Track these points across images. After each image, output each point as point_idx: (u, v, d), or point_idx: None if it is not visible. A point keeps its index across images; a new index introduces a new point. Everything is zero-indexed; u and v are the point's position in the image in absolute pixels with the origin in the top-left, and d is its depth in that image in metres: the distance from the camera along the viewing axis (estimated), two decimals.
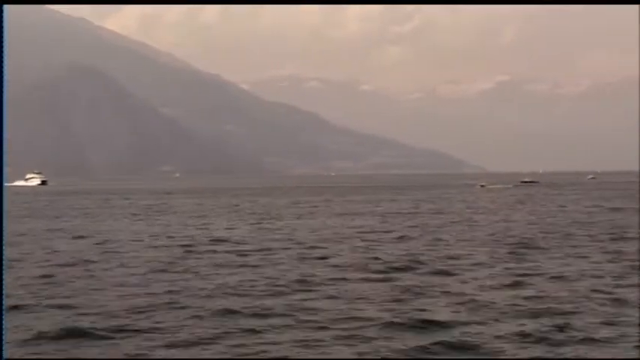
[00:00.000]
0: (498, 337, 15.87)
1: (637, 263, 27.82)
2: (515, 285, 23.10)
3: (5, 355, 5.91)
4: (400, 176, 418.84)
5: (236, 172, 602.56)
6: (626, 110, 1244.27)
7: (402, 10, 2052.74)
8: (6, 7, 5.83)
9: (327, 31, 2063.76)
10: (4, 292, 5.63)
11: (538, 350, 14.85)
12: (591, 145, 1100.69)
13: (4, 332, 5.63)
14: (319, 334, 16.17)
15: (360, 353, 14.77)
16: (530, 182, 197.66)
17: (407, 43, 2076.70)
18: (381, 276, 25.05)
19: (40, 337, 15.25)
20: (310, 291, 21.92)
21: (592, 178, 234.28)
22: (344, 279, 24.33)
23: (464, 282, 23.74)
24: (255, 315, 18.22)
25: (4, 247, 5.66)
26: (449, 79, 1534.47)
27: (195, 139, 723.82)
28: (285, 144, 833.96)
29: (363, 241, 38.56)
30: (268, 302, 19.84)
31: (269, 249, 34.42)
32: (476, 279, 24.42)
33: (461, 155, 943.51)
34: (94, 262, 29.45)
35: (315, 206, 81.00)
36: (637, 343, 15.14)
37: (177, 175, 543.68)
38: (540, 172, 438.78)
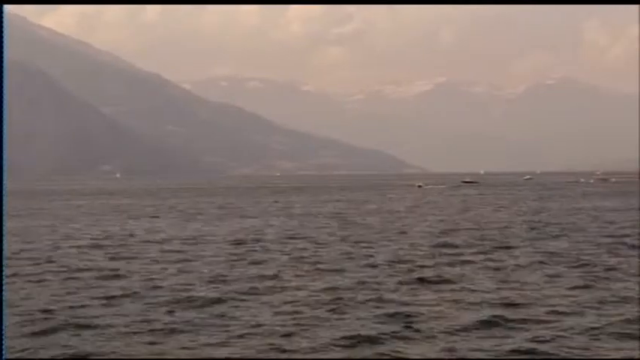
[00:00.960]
0: None
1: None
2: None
3: (5, 355, 5.84)
4: (343, 176, 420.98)
5: (178, 172, 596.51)
6: (564, 111, 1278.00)
7: (343, 11, 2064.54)
8: (6, 7, 5.81)
9: (267, 31, 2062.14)
10: (4, 292, 5.56)
11: None
12: (530, 145, 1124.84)
13: (4, 332, 5.57)
14: None
15: None
16: (470, 182, 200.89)
17: (348, 44, 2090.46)
18: None
19: None
20: None
21: (528, 178, 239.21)
22: None
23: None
24: None
25: (4, 248, 5.59)
26: (390, 80, 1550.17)
27: (137, 138, 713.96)
28: (227, 144, 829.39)
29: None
30: None
31: None
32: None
33: (403, 156, 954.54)
34: None
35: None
36: None
37: (118, 175, 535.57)
38: (482, 172, 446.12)
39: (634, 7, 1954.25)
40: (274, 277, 25.25)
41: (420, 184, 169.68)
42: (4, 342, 5.58)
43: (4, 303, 5.57)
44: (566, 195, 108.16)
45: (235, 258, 30.89)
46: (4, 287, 5.62)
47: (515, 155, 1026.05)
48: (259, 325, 17.24)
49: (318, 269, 26.98)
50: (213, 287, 22.90)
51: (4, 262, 5.68)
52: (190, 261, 30.06)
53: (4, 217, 5.77)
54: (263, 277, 25.03)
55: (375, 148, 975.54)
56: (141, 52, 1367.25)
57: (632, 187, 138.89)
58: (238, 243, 37.84)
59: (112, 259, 30.80)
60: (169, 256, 31.61)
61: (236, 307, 19.67)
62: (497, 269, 26.82)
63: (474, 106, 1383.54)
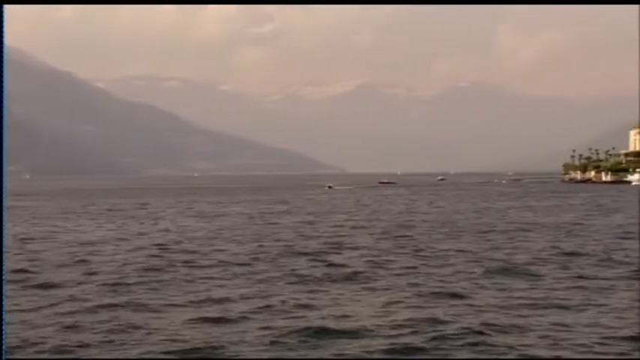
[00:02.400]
0: None
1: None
2: None
3: (5, 355, 5.32)
4: (259, 177, 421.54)
5: (91, 172, 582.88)
6: (477, 113, 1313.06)
7: (262, 11, 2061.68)
8: (6, 7, 5.32)
9: (185, 30, 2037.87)
10: (4, 292, 4.98)
11: None
12: (446, 146, 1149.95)
13: (4, 333, 5.06)
14: None
15: None
16: (387, 183, 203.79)
17: (266, 44, 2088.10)
18: None
19: None
20: None
21: (441, 179, 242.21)
22: None
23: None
24: None
25: (4, 248, 5.07)
26: (309, 81, 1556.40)
27: (48, 138, 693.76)
28: (144, 144, 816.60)
29: None
30: None
31: None
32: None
33: (322, 157, 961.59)
34: None
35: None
36: None
37: (28, 176, 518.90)
38: (398, 173, 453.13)
39: (546, 12, 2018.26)
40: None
41: (331, 185, 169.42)
42: (4, 342, 5.08)
43: (4, 303, 5.02)
44: (476, 195, 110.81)
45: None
46: (4, 287, 5.05)
47: (431, 156, 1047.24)
48: None
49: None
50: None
51: (4, 262, 5.16)
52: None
53: (4, 217, 5.27)
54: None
55: (294, 148, 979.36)
56: (53, 51, 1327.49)
57: (542, 187, 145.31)
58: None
59: None
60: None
61: None
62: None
63: (392, 107, 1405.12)
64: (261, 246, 35.68)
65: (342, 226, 50.27)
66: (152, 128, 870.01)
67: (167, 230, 47.39)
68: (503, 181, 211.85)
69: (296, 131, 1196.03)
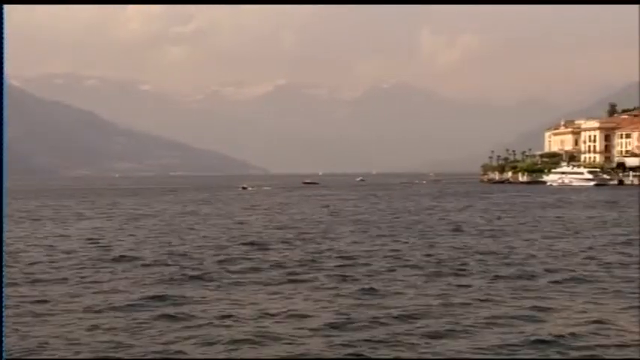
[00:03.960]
0: None
1: None
2: None
3: (5, 355, 5.57)
4: (180, 178, 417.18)
5: (8, 173, 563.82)
6: (400, 114, 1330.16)
7: (184, 11, 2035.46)
8: (6, 7, 5.54)
9: (105, 29, 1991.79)
10: (4, 292, 5.28)
11: None
12: (369, 147, 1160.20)
13: (3, 332, 5.32)
14: None
15: None
16: (310, 183, 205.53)
17: (189, 44, 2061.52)
18: None
19: None
20: None
21: (361, 180, 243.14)
22: None
23: None
24: None
25: (4, 247, 5.32)
26: (231, 81, 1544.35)
27: None
28: (62, 144, 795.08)
29: None
30: None
31: None
32: None
33: (245, 157, 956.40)
34: None
35: None
36: None
37: None
38: (320, 174, 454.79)
39: (467, 15, 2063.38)
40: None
41: (245, 185, 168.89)
42: (3, 342, 5.35)
43: (3, 303, 5.33)
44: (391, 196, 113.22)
45: None
46: (3, 287, 5.37)
47: (354, 157, 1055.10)
48: None
49: None
50: None
51: (4, 262, 5.43)
52: None
53: (4, 217, 5.54)
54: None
55: (218, 149, 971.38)
56: None
57: (460, 188, 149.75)
58: None
59: None
60: None
61: None
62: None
63: (316, 108, 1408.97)
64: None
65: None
66: (71, 128, 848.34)
67: None
68: (424, 182, 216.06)
69: (220, 131, 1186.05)
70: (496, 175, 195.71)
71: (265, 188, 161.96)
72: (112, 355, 15.30)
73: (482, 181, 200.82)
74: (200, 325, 17.98)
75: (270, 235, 43.50)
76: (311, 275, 26.56)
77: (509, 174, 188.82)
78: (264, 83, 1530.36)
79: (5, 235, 5.31)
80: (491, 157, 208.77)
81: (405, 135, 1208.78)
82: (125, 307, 19.95)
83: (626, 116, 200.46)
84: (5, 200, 5.51)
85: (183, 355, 15.50)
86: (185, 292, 22.65)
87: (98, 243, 39.55)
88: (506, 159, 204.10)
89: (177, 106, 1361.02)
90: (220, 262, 30.48)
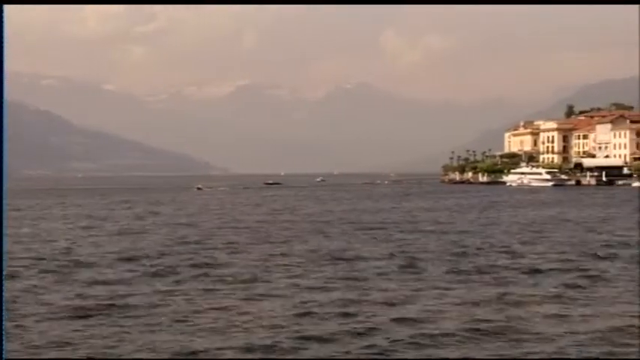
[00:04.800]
0: None
1: None
2: None
3: (5, 355, 5.81)
4: (140, 178, 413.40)
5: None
6: (362, 115, 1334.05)
7: (146, 10, 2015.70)
8: (6, 7, 5.73)
9: (65, 28, 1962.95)
10: (4, 291, 5.56)
11: None
12: (331, 147, 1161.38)
13: (4, 332, 5.56)
14: None
15: None
16: (273, 184, 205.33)
17: (152, 43, 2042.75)
18: None
19: None
20: None
21: (321, 180, 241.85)
22: None
23: None
24: None
25: (4, 247, 5.58)
26: (193, 81, 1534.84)
27: None
28: (22, 145, 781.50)
29: None
30: None
31: None
32: None
33: (208, 157, 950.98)
34: None
35: None
36: None
37: None
38: (282, 174, 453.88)
39: (429, 16, 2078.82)
40: None
41: (200, 186, 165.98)
42: (4, 342, 5.61)
43: (3, 303, 5.62)
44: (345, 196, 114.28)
45: None
46: (4, 287, 5.66)
47: (316, 157, 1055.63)
48: None
49: None
50: None
51: (4, 262, 5.69)
52: None
53: (4, 217, 5.82)
54: None
55: (181, 149, 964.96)
56: None
57: (419, 188, 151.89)
58: None
59: None
60: None
61: None
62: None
63: (278, 108, 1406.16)
64: None
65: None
66: (29, 127, 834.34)
67: None
68: (386, 182, 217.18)
69: (182, 132, 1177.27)
70: (457, 176, 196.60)
71: (221, 189, 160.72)
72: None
73: (443, 181, 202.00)
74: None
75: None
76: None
77: (470, 174, 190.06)
78: (226, 83, 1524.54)
79: (5, 234, 5.56)
80: (452, 158, 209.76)
81: (367, 135, 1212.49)
82: None
83: (583, 117, 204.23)
84: (5, 200, 5.70)
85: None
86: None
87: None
88: (466, 159, 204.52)
89: (139, 106, 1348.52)
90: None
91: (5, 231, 5.68)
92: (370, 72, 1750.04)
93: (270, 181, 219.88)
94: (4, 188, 5.90)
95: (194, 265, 29.76)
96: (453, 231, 46.87)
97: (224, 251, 35.29)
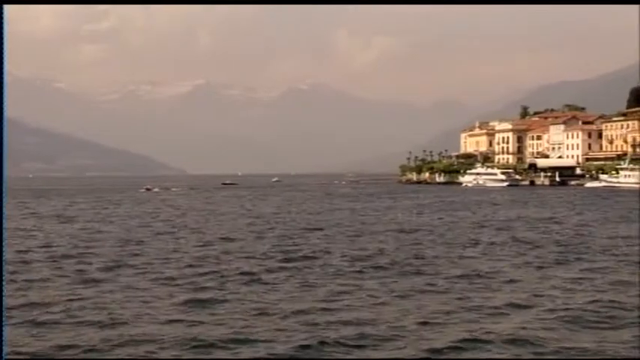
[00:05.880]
0: None
1: None
2: None
3: (5, 355, 5.67)
4: (92, 178, 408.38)
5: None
6: (317, 115, 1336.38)
7: (98, 8, 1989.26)
8: (6, 7, 5.60)
9: (16, 26, 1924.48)
10: (4, 291, 5.41)
11: None
12: (287, 148, 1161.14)
13: (4, 332, 5.43)
14: None
15: None
16: (230, 184, 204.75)
17: (104, 42, 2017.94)
18: None
19: None
20: None
21: (276, 180, 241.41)
22: None
23: None
24: None
25: (4, 247, 5.43)
26: (146, 80, 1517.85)
27: None
28: None
29: None
30: None
31: None
32: None
33: (164, 158, 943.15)
34: None
35: None
36: None
37: None
38: (239, 174, 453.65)
39: (382, 17, 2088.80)
40: None
41: (149, 187, 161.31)
42: (4, 342, 5.48)
43: (4, 303, 5.48)
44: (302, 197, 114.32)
45: None
46: (4, 287, 5.52)
47: (272, 157, 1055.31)
48: None
49: None
50: None
51: (4, 262, 5.56)
52: None
53: (4, 217, 5.67)
54: None
55: (135, 149, 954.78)
56: None
57: (376, 188, 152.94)
58: None
59: None
60: None
61: None
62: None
63: (235, 108, 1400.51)
64: None
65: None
66: None
67: None
68: (343, 182, 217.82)
69: (136, 131, 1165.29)
70: (414, 176, 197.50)
71: (174, 190, 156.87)
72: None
73: (400, 181, 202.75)
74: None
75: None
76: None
77: (427, 175, 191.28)
78: (181, 83, 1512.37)
79: (5, 234, 5.44)
80: (409, 158, 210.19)
81: (323, 136, 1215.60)
82: None
83: (537, 118, 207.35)
84: (5, 200, 5.59)
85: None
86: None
87: None
88: (423, 160, 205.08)
89: (92, 105, 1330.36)
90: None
91: (5, 231, 5.57)
92: (325, 72, 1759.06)
93: (228, 182, 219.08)
94: (4, 188, 5.78)
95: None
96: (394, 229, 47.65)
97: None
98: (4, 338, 5.47)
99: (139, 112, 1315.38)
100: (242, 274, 26.85)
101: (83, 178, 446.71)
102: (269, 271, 27.71)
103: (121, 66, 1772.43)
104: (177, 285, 24.53)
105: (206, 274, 27.03)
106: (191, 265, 29.57)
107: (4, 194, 5.68)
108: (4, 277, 5.42)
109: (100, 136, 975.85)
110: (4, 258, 5.45)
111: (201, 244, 38.84)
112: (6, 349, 5.59)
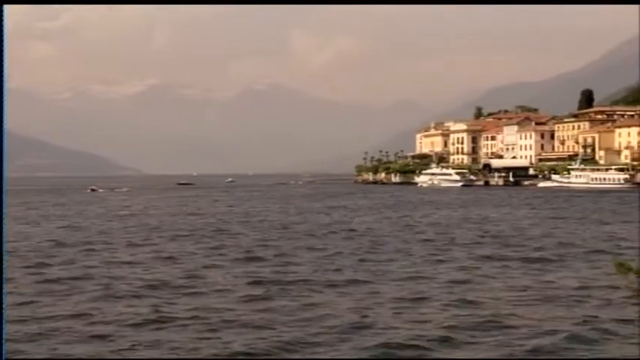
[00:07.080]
0: None
1: None
2: None
3: (5, 355, 5.76)
4: (38, 179, 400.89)
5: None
6: (274, 115, 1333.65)
7: (50, 6, 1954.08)
8: (6, 7, 5.69)
9: None
10: (4, 291, 5.52)
11: None
12: (244, 148, 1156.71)
13: (4, 332, 5.53)
14: None
15: None
16: (185, 184, 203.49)
17: (56, 40, 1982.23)
18: None
19: None
20: None
21: (231, 181, 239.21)
22: None
23: None
24: None
25: (4, 247, 5.54)
26: (100, 80, 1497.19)
27: None
28: None
29: None
30: None
31: None
32: None
33: (117, 158, 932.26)
34: None
35: None
36: None
37: None
38: (195, 174, 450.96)
39: (340, 19, 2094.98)
40: None
41: (95, 187, 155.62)
42: (4, 342, 5.60)
43: (4, 303, 5.62)
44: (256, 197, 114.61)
45: None
46: (4, 287, 5.65)
47: (229, 157, 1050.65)
48: None
49: None
50: None
51: (4, 262, 5.67)
52: None
53: (4, 217, 5.81)
54: None
55: (89, 149, 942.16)
56: None
57: (333, 188, 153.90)
58: None
59: None
60: None
61: None
62: None
63: (190, 108, 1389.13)
64: None
65: None
66: None
67: None
68: (300, 182, 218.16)
69: (90, 131, 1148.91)
70: (370, 176, 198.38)
71: (124, 189, 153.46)
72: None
73: (356, 182, 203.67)
74: None
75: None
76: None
77: (383, 175, 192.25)
78: (136, 82, 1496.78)
79: (5, 234, 5.53)
80: (365, 158, 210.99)
81: (280, 136, 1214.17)
82: None
83: (491, 119, 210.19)
84: (5, 200, 5.65)
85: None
86: None
87: None
88: (379, 160, 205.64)
89: (45, 104, 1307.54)
90: None
91: (5, 230, 5.70)
92: (282, 73, 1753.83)
93: (183, 182, 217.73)
94: (4, 188, 5.92)
95: None
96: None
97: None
98: (4, 338, 5.55)
99: (93, 111, 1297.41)
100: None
101: (32, 178, 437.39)
102: None
103: (74, 65, 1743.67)
104: None
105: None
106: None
107: (4, 194, 5.81)
108: (4, 277, 5.49)
109: (53, 136, 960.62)
110: (4, 258, 5.53)
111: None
112: (6, 349, 5.69)
